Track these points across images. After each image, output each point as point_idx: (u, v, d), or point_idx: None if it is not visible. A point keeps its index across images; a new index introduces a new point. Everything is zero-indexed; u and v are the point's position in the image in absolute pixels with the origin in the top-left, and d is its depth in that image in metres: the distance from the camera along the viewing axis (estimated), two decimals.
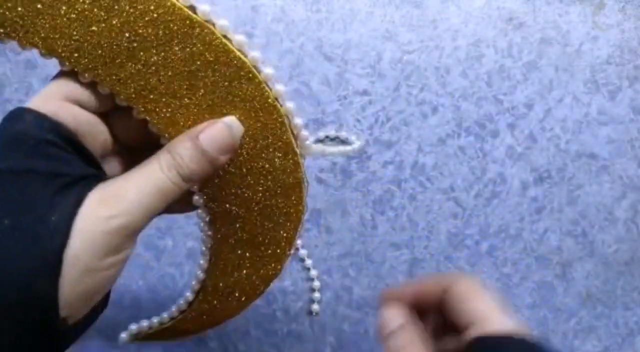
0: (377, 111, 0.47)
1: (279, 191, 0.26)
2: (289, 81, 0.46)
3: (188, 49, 0.23)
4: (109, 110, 0.24)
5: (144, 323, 0.29)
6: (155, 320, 0.29)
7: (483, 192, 0.47)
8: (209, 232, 0.27)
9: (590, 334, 0.47)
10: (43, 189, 0.20)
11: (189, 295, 0.29)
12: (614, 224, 0.48)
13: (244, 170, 0.25)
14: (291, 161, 0.25)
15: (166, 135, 0.24)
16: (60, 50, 0.22)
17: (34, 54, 0.44)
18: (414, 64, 0.47)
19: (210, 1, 0.23)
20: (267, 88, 0.24)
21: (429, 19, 0.47)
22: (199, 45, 0.23)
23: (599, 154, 0.48)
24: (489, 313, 0.24)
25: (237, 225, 0.26)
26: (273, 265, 0.28)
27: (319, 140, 0.45)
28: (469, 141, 0.47)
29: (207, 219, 0.27)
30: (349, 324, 0.45)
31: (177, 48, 0.22)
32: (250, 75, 0.23)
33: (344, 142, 0.36)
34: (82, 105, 0.23)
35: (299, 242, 0.30)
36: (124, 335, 0.30)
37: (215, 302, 0.28)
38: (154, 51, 0.22)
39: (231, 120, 0.24)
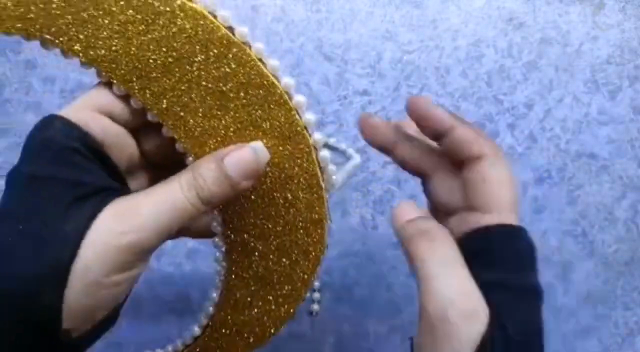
0: (377, 111, 0.47)
1: (299, 226, 0.25)
2: None
3: (223, 69, 0.23)
4: (140, 126, 0.24)
5: None
6: (159, 351, 0.29)
7: None
8: (224, 263, 0.26)
9: (590, 334, 0.47)
10: (61, 196, 0.20)
11: (196, 329, 0.28)
12: (614, 224, 0.48)
13: (266, 199, 0.25)
14: (315, 195, 0.25)
15: (192, 155, 0.24)
16: (99, 60, 0.22)
17: (34, 54, 0.44)
18: (414, 64, 0.47)
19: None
20: (297, 116, 0.23)
21: (429, 19, 0.47)
22: (233, 65, 0.23)
23: (599, 154, 0.48)
24: (506, 207, 0.25)
25: (253, 258, 0.26)
26: (286, 307, 0.27)
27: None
28: None
29: (224, 248, 0.26)
30: (349, 324, 0.45)
31: (212, 67, 0.23)
32: (282, 100, 0.23)
33: (343, 153, 0.35)
34: (113, 117, 0.23)
35: (316, 283, 0.30)
36: None
37: (221, 341, 0.27)
38: (189, 68, 0.23)
39: (258, 145, 0.23)
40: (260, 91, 0.23)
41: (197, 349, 0.28)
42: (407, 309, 0.46)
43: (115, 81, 0.23)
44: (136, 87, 0.23)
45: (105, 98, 0.23)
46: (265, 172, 0.24)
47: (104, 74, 0.23)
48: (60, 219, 0.20)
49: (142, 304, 0.44)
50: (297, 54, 0.46)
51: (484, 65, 0.47)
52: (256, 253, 0.26)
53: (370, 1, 0.47)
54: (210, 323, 0.28)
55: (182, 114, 0.23)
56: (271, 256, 0.26)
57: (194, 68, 0.23)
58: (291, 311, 0.27)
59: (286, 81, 0.23)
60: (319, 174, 0.24)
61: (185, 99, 0.23)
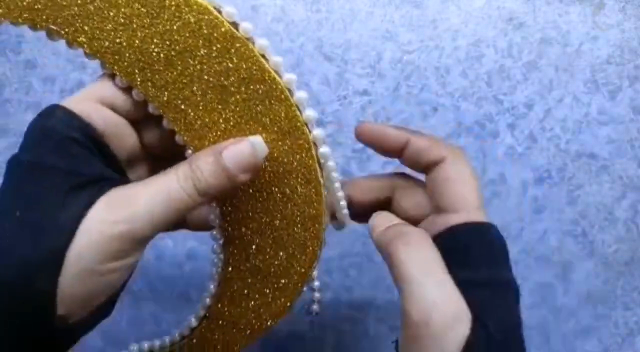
0: (377, 111, 0.47)
1: (297, 220, 0.25)
2: None
3: (225, 63, 0.23)
4: (141, 118, 0.25)
5: (145, 345, 0.29)
6: (156, 343, 0.29)
7: (483, 192, 0.47)
8: (221, 256, 0.27)
9: (590, 334, 0.47)
10: (59, 185, 0.21)
11: (193, 320, 0.28)
12: (614, 224, 0.48)
13: (265, 194, 0.25)
14: (313, 191, 0.25)
15: (192, 147, 0.24)
16: (103, 52, 0.23)
17: (34, 54, 0.44)
18: (414, 64, 0.47)
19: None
20: (297, 112, 0.24)
21: (429, 19, 0.47)
22: (235, 60, 0.23)
23: (599, 154, 0.48)
24: (473, 208, 0.25)
25: (251, 251, 0.26)
26: (283, 300, 0.27)
27: None
28: (469, 141, 0.47)
29: (221, 241, 0.26)
30: (349, 324, 0.45)
31: (214, 61, 0.23)
32: (283, 96, 0.23)
33: None
34: (115, 109, 0.24)
35: (316, 283, 0.30)
36: None
37: (218, 332, 0.28)
38: (191, 62, 0.23)
39: (257, 139, 0.24)
40: (262, 86, 0.23)
41: (194, 340, 0.28)
42: None
43: (118, 73, 0.23)
44: (138, 80, 0.23)
45: (107, 90, 0.24)
46: (264, 167, 0.24)
47: (107, 65, 0.23)
48: (57, 207, 0.20)
49: (142, 304, 0.44)
50: (297, 54, 0.46)
51: (484, 65, 0.47)
52: (253, 246, 0.26)
53: (370, 1, 0.47)
54: (207, 314, 0.28)
55: (182, 107, 0.24)
56: (268, 250, 0.26)
57: (196, 62, 0.23)
58: (288, 304, 0.27)
59: (288, 77, 0.24)
60: (318, 169, 0.25)
61: (187, 92, 0.23)
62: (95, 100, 0.23)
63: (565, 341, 0.47)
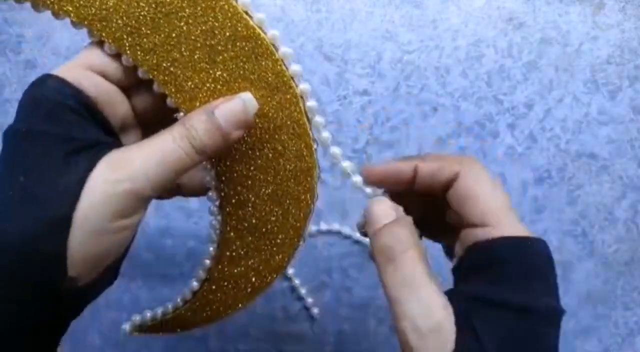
0: (377, 111, 0.47)
1: (290, 175, 0.26)
2: None
3: (210, 23, 0.23)
4: (131, 84, 0.25)
5: (147, 314, 0.29)
6: (159, 311, 0.29)
7: None
8: (219, 217, 0.27)
9: (590, 334, 0.47)
10: (57, 151, 0.21)
11: (195, 284, 0.28)
12: (614, 224, 0.48)
13: (257, 151, 0.25)
14: (303, 145, 0.25)
15: (183, 109, 0.24)
16: (90, 19, 0.23)
17: (34, 54, 0.44)
18: (414, 64, 0.47)
19: None
20: (283, 67, 0.24)
21: (429, 19, 0.47)
22: (220, 19, 0.23)
23: (599, 154, 0.48)
24: (502, 217, 0.23)
25: (247, 210, 0.26)
26: (281, 256, 0.27)
27: None
28: (469, 141, 0.47)
29: (218, 202, 0.27)
30: (349, 324, 0.45)
31: (199, 21, 0.23)
32: (268, 52, 0.24)
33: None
34: (105, 76, 0.24)
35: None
36: (125, 326, 0.29)
37: (220, 293, 0.28)
38: (178, 23, 0.23)
39: (247, 96, 0.24)
40: (247, 44, 0.24)
41: (197, 303, 0.29)
42: None
43: (106, 40, 0.23)
44: (127, 45, 0.23)
45: (96, 57, 0.24)
46: (255, 123, 0.25)
47: (95, 33, 0.23)
48: (58, 172, 0.21)
49: (142, 304, 0.44)
50: (297, 54, 0.46)
51: (484, 65, 0.47)
52: (249, 204, 0.26)
53: (370, 1, 0.47)
54: (208, 277, 0.28)
55: (172, 69, 0.24)
56: (264, 207, 0.26)
57: (182, 23, 0.23)
58: (286, 259, 0.27)
59: (272, 33, 0.24)
60: (307, 123, 0.25)
61: (175, 54, 0.24)
62: (85, 68, 0.23)
63: (565, 341, 0.47)
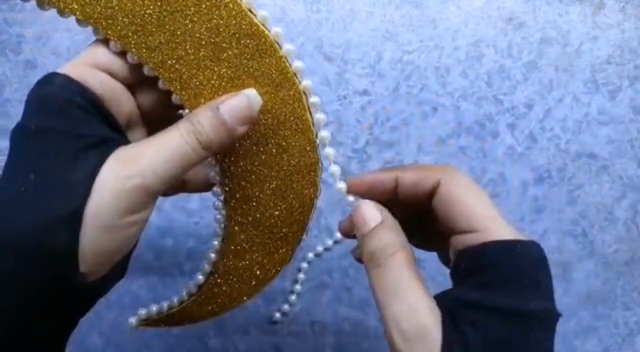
0: (377, 111, 0.47)
1: (293, 170, 0.26)
2: None
3: (215, 20, 0.23)
4: (137, 82, 0.25)
5: (153, 308, 0.29)
6: (164, 304, 0.29)
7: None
8: (224, 212, 0.27)
9: (590, 334, 0.47)
10: (66, 147, 0.21)
11: (200, 277, 0.29)
12: (614, 224, 0.48)
13: (261, 146, 0.26)
14: (307, 141, 0.26)
15: (188, 106, 0.25)
16: (95, 17, 0.23)
17: (34, 54, 0.44)
18: (414, 64, 0.47)
19: None
20: (287, 63, 0.24)
21: (429, 19, 0.47)
22: (225, 16, 0.23)
23: (599, 154, 0.48)
24: (489, 221, 0.23)
25: (251, 204, 0.27)
26: (284, 250, 0.28)
27: None
28: (469, 141, 0.47)
29: (222, 197, 0.27)
30: (349, 324, 0.45)
31: (204, 18, 0.23)
32: (272, 49, 0.24)
33: None
34: (111, 73, 0.24)
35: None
36: (132, 320, 0.30)
37: (225, 286, 0.28)
38: (183, 20, 0.23)
39: (251, 92, 0.24)
40: (251, 41, 0.24)
41: (203, 297, 0.29)
42: None
43: (111, 38, 0.23)
44: (132, 42, 0.24)
45: (102, 55, 0.24)
46: (259, 119, 0.25)
47: (100, 31, 0.23)
48: (68, 168, 0.21)
49: (143, 304, 0.44)
50: (297, 54, 0.46)
51: (484, 65, 0.47)
52: (253, 199, 0.27)
53: (370, 1, 0.47)
54: (213, 270, 0.28)
55: (177, 66, 0.24)
56: (268, 201, 0.27)
57: (187, 21, 0.23)
58: (290, 253, 0.28)
59: (275, 30, 0.24)
60: (310, 119, 0.25)
61: (180, 52, 0.24)
62: (91, 65, 0.24)
63: (565, 341, 0.47)
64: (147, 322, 0.30)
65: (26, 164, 0.21)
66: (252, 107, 0.24)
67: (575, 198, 0.47)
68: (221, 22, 0.23)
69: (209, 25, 0.23)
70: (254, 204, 0.27)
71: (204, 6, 0.23)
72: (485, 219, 0.23)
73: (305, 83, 0.25)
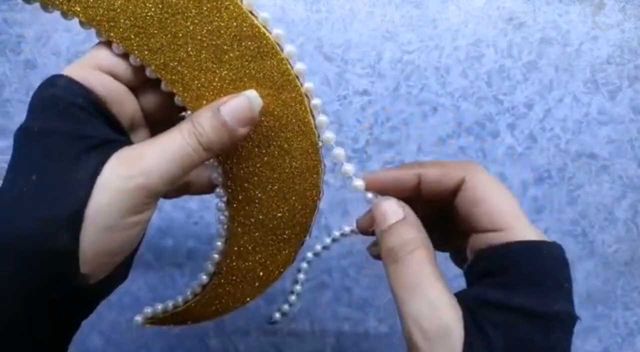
0: (377, 111, 0.47)
1: (295, 172, 0.26)
2: None
3: (216, 23, 0.23)
4: (139, 84, 0.25)
5: (159, 306, 0.30)
6: (169, 303, 0.30)
7: None
8: (226, 213, 0.27)
9: (590, 334, 0.47)
10: (69, 149, 0.21)
11: (204, 278, 0.29)
12: (614, 224, 0.48)
13: (263, 149, 0.26)
14: (309, 143, 0.26)
15: (191, 108, 0.25)
16: (98, 19, 0.23)
17: (34, 54, 0.44)
18: (414, 64, 0.47)
19: None
20: (288, 65, 0.24)
21: (429, 19, 0.47)
22: (226, 18, 0.23)
23: (599, 154, 0.48)
24: (514, 221, 0.23)
25: (254, 206, 0.27)
26: (287, 251, 0.28)
27: None
28: (469, 141, 0.47)
29: (225, 198, 0.27)
30: (349, 324, 0.45)
31: (205, 21, 0.23)
32: (273, 51, 0.24)
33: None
34: (114, 75, 0.24)
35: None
36: (138, 318, 0.30)
37: (229, 286, 0.29)
38: (184, 23, 0.23)
39: (251, 93, 0.24)
40: (252, 43, 0.24)
41: (207, 297, 0.29)
42: None
43: (114, 40, 0.24)
44: (134, 45, 0.24)
45: (105, 57, 0.24)
46: (261, 121, 0.25)
47: (103, 33, 0.23)
48: (71, 168, 0.21)
49: (143, 304, 0.44)
50: (297, 54, 0.46)
51: (484, 65, 0.47)
52: (256, 201, 0.27)
53: (370, 1, 0.47)
54: (217, 270, 0.29)
55: (179, 68, 0.24)
56: (271, 203, 0.27)
57: (189, 23, 0.23)
58: (292, 254, 0.28)
59: (277, 32, 0.24)
60: (312, 121, 0.25)
61: (182, 54, 0.24)
62: (93, 67, 0.24)
63: None
64: (153, 320, 0.30)
65: (28, 165, 0.21)
66: (252, 108, 0.24)
67: (575, 198, 0.48)
68: (222, 24, 0.23)
69: (210, 27, 0.23)
70: (257, 205, 0.27)
71: (204, 8, 0.23)
72: (510, 218, 0.23)
73: (307, 85, 0.25)
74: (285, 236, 0.27)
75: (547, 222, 0.47)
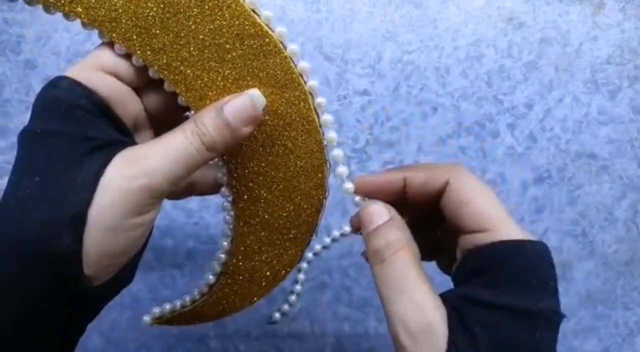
0: (377, 111, 0.47)
1: (300, 171, 0.26)
2: None
3: (218, 22, 0.23)
4: (142, 84, 0.25)
5: (167, 306, 0.30)
6: (177, 303, 0.30)
7: None
8: (232, 212, 0.27)
9: (590, 334, 0.47)
10: (72, 150, 0.21)
11: (211, 277, 0.29)
12: (614, 224, 0.48)
13: (267, 148, 0.26)
14: (313, 141, 0.26)
15: (194, 108, 0.25)
16: (100, 20, 0.23)
17: (34, 54, 0.44)
18: (414, 64, 0.47)
19: None
20: (292, 63, 0.24)
21: (429, 19, 0.47)
22: (228, 17, 0.23)
23: (599, 154, 0.48)
24: (499, 221, 0.23)
25: (259, 205, 0.27)
26: (294, 250, 0.28)
27: None
28: (469, 141, 0.47)
29: (230, 198, 0.27)
30: (349, 324, 0.45)
31: (207, 20, 0.23)
32: (276, 49, 0.24)
33: None
34: (117, 76, 0.24)
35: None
36: (146, 318, 0.30)
37: (235, 286, 0.29)
38: (186, 22, 0.23)
39: (254, 92, 0.24)
40: (255, 41, 0.24)
41: (214, 296, 0.29)
42: None
43: (116, 40, 0.23)
44: (137, 45, 0.24)
45: (108, 58, 0.24)
46: (265, 120, 0.25)
47: (105, 34, 0.23)
48: (73, 169, 0.21)
49: (143, 305, 0.44)
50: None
51: (484, 65, 0.47)
52: (261, 200, 0.27)
53: (370, 1, 0.47)
54: (223, 270, 0.29)
55: (182, 68, 0.24)
56: (276, 202, 0.27)
57: (191, 22, 0.23)
58: (299, 253, 0.28)
59: (279, 30, 0.24)
60: (316, 119, 0.25)
61: (184, 54, 0.24)
62: (97, 68, 0.24)
63: (565, 341, 0.47)
64: (160, 320, 0.30)
65: (31, 167, 0.21)
66: (255, 107, 0.24)
67: (575, 198, 0.48)
68: (224, 23, 0.23)
69: (212, 26, 0.23)
70: (262, 205, 0.27)
71: (206, 7, 0.23)
72: (494, 218, 0.23)
73: (311, 84, 0.25)
74: (291, 236, 0.27)
75: (547, 222, 0.47)
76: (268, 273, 0.28)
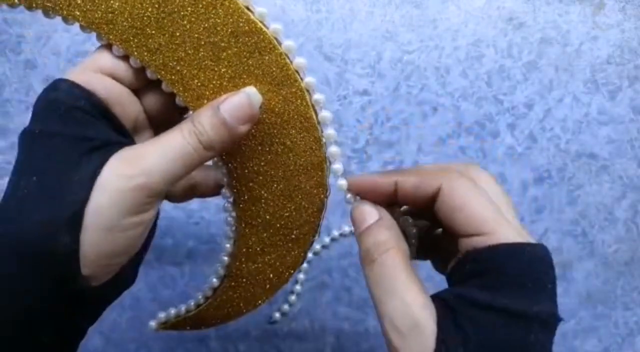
0: (377, 111, 0.47)
1: (300, 170, 0.26)
2: None
3: (212, 20, 0.23)
4: (142, 86, 0.25)
5: (172, 311, 0.29)
6: (182, 308, 0.30)
7: None
8: (234, 214, 0.27)
9: (590, 334, 0.47)
10: (70, 150, 0.21)
11: (215, 281, 0.29)
12: (614, 224, 0.48)
13: (266, 147, 0.26)
14: (312, 138, 0.25)
15: (192, 107, 0.25)
16: (97, 22, 0.23)
17: (34, 54, 0.44)
18: (414, 64, 0.47)
19: None
20: (287, 60, 0.24)
21: (429, 19, 0.47)
22: (222, 15, 0.23)
23: (599, 154, 0.48)
24: (496, 224, 0.23)
25: (260, 206, 0.27)
26: (297, 251, 0.27)
27: None
28: (469, 141, 0.47)
29: (231, 199, 0.27)
30: (349, 324, 0.45)
31: (202, 18, 0.23)
32: (271, 46, 0.24)
33: None
34: (116, 78, 0.24)
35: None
36: (152, 323, 0.30)
37: (239, 289, 0.28)
38: (181, 21, 0.23)
39: (250, 90, 0.24)
40: (250, 39, 0.24)
41: (218, 300, 0.29)
42: None
43: (114, 42, 0.24)
44: (133, 46, 0.24)
45: (106, 60, 0.24)
46: (262, 119, 0.25)
47: (102, 36, 0.24)
48: (71, 170, 0.21)
49: (143, 305, 0.44)
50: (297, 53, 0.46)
51: (484, 65, 0.47)
52: (262, 200, 0.27)
53: (370, 1, 0.47)
54: (226, 273, 0.28)
55: (178, 68, 0.24)
56: (277, 202, 0.27)
57: (185, 21, 0.23)
58: (302, 255, 0.28)
59: (274, 27, 0.24)
60: (314, 116, 0.25)
61: (180, 53, 0.24)
62: (95, 70, 0.24)
63: (565, 341, 0.47)
64: (166, 325, 0.30)
65: (30, 167, 0.21)
66: (252, 105, 0.24)
67: (575, 198, 0.48)
68: (218, 21, 0.23)
69: (206, 24, 0.23)
70: (263, 205, 0.27)
71: (200, 6, 0.23)
72: (490, 221, 0.23)
73: (308, 80, 0.25)
74: (293, 236, 0.27)
75: (547, 222, 0.47)
76: (271, 275, 0.28)
